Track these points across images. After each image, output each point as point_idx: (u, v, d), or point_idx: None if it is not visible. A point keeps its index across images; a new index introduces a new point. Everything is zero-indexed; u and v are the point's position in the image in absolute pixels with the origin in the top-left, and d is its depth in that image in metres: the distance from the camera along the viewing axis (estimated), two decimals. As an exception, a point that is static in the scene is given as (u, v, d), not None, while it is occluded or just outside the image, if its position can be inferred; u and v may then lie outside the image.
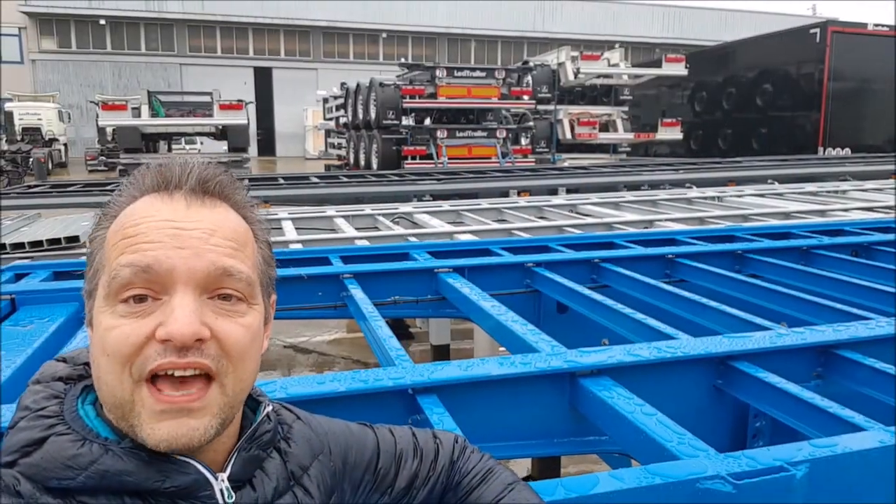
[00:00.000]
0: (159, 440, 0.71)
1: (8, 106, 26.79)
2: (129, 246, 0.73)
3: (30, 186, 9.40)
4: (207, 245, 0.75)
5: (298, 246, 4.58)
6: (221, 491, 0.76)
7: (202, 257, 0.74)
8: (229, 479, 0.78)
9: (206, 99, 18.16)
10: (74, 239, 5.03)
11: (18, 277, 3.11)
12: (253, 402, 0.89)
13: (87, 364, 0.81)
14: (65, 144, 28.08)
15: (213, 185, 0.79)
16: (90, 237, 0.81)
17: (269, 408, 0.88)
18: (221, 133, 16.70)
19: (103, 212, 0.81)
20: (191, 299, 0.72)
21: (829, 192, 8.27)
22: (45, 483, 0.69)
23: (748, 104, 19.44)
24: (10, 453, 0.72)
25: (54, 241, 5.01)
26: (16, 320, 2.50)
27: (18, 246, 4.92)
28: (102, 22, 35.79)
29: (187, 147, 24.17)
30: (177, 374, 0.71)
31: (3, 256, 4.58)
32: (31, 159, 21.34)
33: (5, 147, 22.87)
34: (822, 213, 6.23)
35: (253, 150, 29.88)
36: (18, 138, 24.90)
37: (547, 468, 3.47)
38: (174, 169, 0.78)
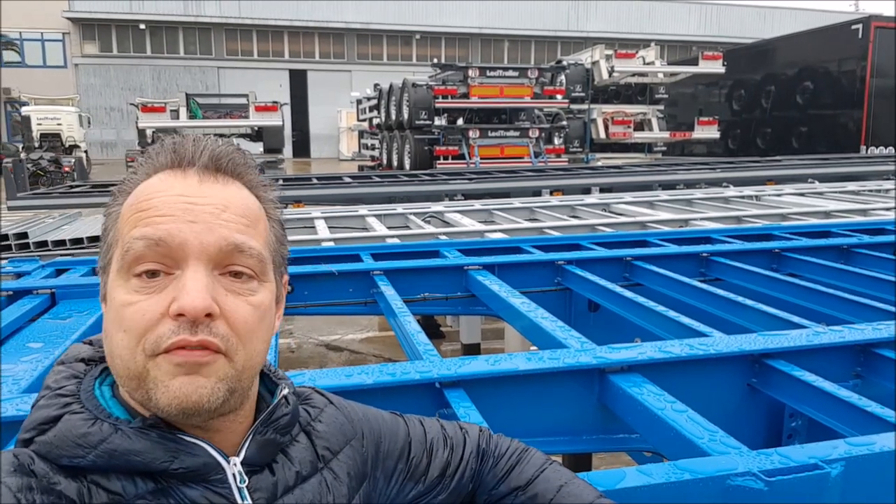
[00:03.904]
0: (172, 398, 0.71)
1: (25, 110, 24.70)
2: (142, 220, 0.74)
3: (71, 186, 9.65)
4: (219, 220, 0.75)
5: (331, 244, 4.61)
6: (234, 475, 0.76)
7: (214, 232, 0.74)
8: (245, 463, 0.77)
9: (243, 101, 18.45)
10: (113, 237, 5.14)
11: (59, 273, 3.19)
12: (272, 385, 0.89)
13: None
14: (85, 152, 25.20)
15: (225, 162, 0.79)
16: (105, 213, 0.82)
17: (286, 391, 0.87)
18: (257, 134, 16.95)
19: (118, 189, 0.81)
20: (202, 274, 0.73)
21: (871, 191, 8.05)
22: (58, 461, 0.70)
23: (788, 102, 19.03)
24: (28, 430, 0.73)
25: (94, 239, 5.12)
26: (55, 314, 2.57)
27: (60, 243, 5.05)
28: (142, 26, 36.57)
29: None
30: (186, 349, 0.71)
31: (45, 253, 4.71)
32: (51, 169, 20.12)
33: (23, 155, 21.12)
34: (863, 212, 6.07)
35: (288, 151, 30.21)
36: (36, 145, 22.86)
37: (577, 466, 3.43)
38: (187, 146, 0.79)
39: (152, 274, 0.73)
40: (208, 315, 0.72)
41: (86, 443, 0.70)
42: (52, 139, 23.21)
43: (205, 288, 0.72)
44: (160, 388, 0.71)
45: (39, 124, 23.40)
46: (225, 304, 0.74)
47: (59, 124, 23.75)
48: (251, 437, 0.80)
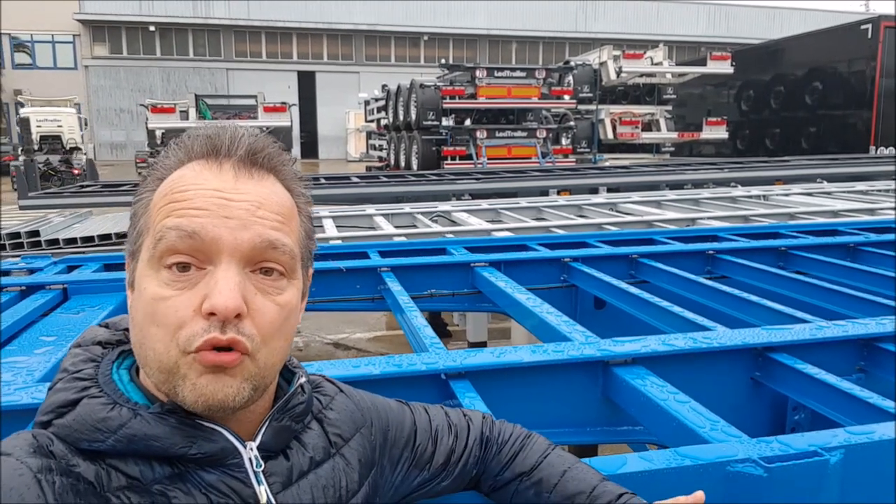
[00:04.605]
0: (198, 395, 0.72)
1: (24, 111, 23.31)
2: (176, 210, 0.74)
3: (82, 186, 9.73)
4: (254, 217, 0.75)
5: (338, 242, 4.64)
6: (250, 459, 0.77)
7: (249, 228, 0.74)
8: (260, 448, 0.78)
9: (251, 102, 18.56)
10: (124, 235, 5.19)
11: (70, 269, 3.23)
12: (289, 374, 0.90)
13: (126, 330, 0.82)
14: (84, 154, 23.10)
15: (262, 157, 0.79)
16: (135, 198, 0.81)
17: (303, 379, 0.88)
18: (265, 135, 17.00)
19: (149, 173, 0.81)
20: (234, 272, 0.73)
21: (880, 190, 8.01)
22: (77, 444, 0.71)
23: (797, 103, 18.93)
24: (46, 413, 0.74)
25: (105, 237, 5.18)
26: (67, 308, 2.61)
27: (71, 241, 5.11)
28: (152, 28, 36.82)
29: None
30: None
31: (57, 251, 4.76)
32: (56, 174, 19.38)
33: (22, 158, 21.13)
34: (871, 211, 6.04)
35: (296, 152, 30.42)
36: (35, 147, 20.35)
37: (583, 458, 3.45)
38: (224, 138, 0.79)
39: (184, 267, 0.73)
40: (237, 315, 0.72)
41: (105, 427, 0.71)
42: (52, 141, 22.34)
43: (236, 287, 0.73)
44: (188, 384, 0.72)
45: (39, 126, 22.32)
46: (253, 304, 0.75)
47: (59, 126, 22.84)
48: (267, 423, 0.81)
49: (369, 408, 0.98)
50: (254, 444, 0.78)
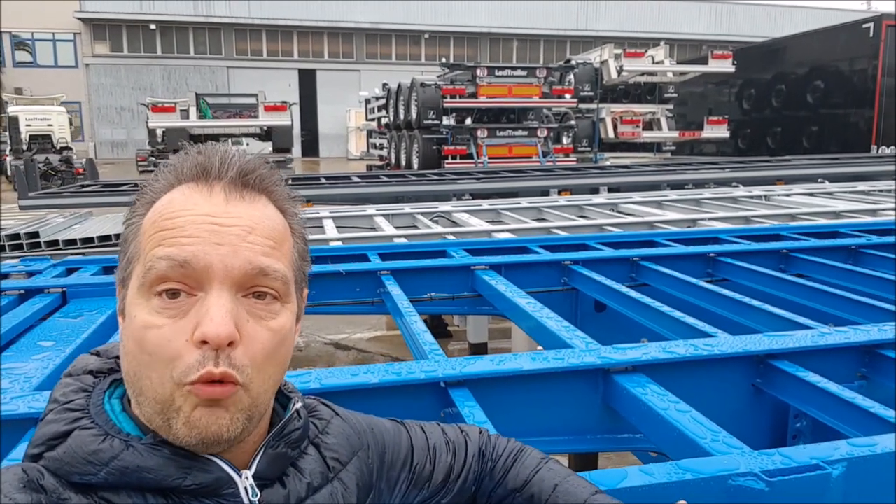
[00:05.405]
0: (192, 428, 0.71)
1: (12, 110, 22.87)
2: (166, 238, 0.73)
3: (82, 186, 9.72)
4: (245, 243, 0.73)
5: (338, 243, 4.63)
6: (246, 489, 0.75)
7: (239, 255, 0.73)
8: (256, 476, 0.77)
9: (252, 101, 18.48)
10: (124, 236, 5.19)
11: (69, 272, 3.22)
12: (284, 399, 0.88)
13: (118, 358, 0.80)
14: (75, 154, 22.15)
15: (253, 178, 0.77)
16: (125, 222, 0.80)
17: (299, 405, 0.86)
18: (266, 134, 17.02)
19: (138, 197, 0.79)
20: (226, 299, 0.72)
21: (881, 191, 7.99)
22: (68, 478, 0.69)
23: (798, 101, 18.90)
24: (37, 445, 0.72)
25: (105, 238, 5.17)
26: (66, 312, 2.60)
27: (70, 242, 5.10)
28: (153, 27, 36.82)
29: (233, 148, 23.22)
30: None
31: (56, 252, 4.75)
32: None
33: (10, 158, 19.88)
34: (873, 212, 6.03)
35: (297, 150, 30.35)
36: (24, 147, 20.95)
37: (584, 466, 3.44)
38: (214, 159, 0.77)
39: (173, 294, 0.72)
40: (230, 343, 0.71)
41: (97, 460, 0.69)
42: (41, 141, 21.70)
43: (228, 314, 0.71)
44: (181, 418, 0.71)
45: (28, 125, 21.88)
46: (245, 330, 0.73)
47: (49, 125, 22.28)
48: (263, 450, 0.79)
49: (365, 430, 0.96)
50: (249, 473, 0.76)
